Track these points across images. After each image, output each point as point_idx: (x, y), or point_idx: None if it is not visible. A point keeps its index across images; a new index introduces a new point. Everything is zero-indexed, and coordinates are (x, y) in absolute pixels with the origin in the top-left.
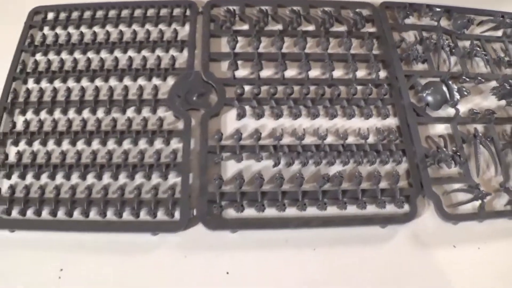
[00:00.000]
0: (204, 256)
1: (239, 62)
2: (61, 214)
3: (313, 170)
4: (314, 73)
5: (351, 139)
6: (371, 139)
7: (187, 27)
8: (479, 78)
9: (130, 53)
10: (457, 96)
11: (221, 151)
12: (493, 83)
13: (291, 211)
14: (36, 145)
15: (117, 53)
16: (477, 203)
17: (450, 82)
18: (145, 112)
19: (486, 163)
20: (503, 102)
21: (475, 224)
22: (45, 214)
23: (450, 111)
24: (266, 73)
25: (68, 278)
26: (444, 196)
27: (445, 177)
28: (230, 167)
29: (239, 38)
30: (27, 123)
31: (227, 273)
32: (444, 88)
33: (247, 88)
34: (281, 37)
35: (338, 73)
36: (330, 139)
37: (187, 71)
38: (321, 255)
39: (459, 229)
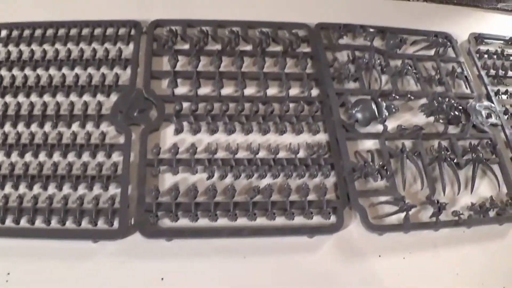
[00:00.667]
0: (140, 263)
1: (179, 80)
2: (8, 222)
3: (245, 183)
4: (250, 91)
5: (282, 154)
6: (301, 154)
7: (131, 46)
8: (409, 95)
9: (77, 70)
10: (385, 113)
11: (159, 164)
12: (423, 101)
13: (223, 221)
14: None
15: (65, 70)
16: (402, 215)
17: (379, 100)
18: (89, 126)
19: (413, 177)
20: (431, 118)
21: (401, 235)
22: None
23: (379, 128)
24: (204, 90)
25: (15, 282)
26: (370, 208)
27: (372, 190)
28: (167, 180)
29: (180, 57)
30: None
31: (162, 279)
32: (373, 106)
33: (185, 104)
34: (219, 57)
35: (272, 91)
36: (262, 154)
37: (130, 88)
38: (251, 263)
39: (384, 240)
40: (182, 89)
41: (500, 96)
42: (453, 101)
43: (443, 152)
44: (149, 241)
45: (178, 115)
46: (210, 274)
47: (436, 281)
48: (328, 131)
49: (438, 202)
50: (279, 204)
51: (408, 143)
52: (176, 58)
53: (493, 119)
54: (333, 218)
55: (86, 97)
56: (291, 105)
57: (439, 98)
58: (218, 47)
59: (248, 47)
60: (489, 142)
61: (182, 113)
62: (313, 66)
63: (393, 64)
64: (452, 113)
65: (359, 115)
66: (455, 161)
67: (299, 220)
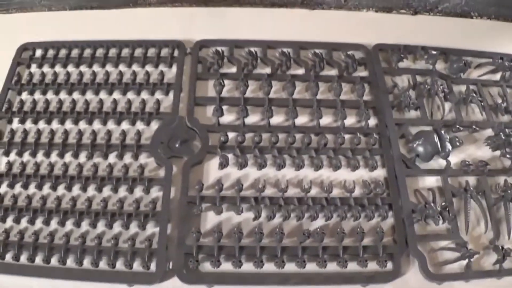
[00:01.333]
0: None
1: (225, 107)
2: (38, 260)
3: (294, 224)
4: (302, 120)
5: (336, 192)
6: (357, 192)
7: (174, 68)
8: (474, 126)
9: (116, 95)
10: (449, 147)
11: (201, 202)
12: (488, 132)
13: (270, 267)
14: (18, 188)
15: (103, 94)
16: (464, 262)
17: (442, 132)
18: (127, 158)
19: (477, 219)
20: (497, 152)
21: (461, 284)
22: (23, 259)
23: (442, 163)
24: (252, 119)
25: None
26: (430, 254)
27: (432, 233)
28: (210, 219)
29: (226, 82)
30: (9, 165)
31: None
32: (436, 138)
33: (231, 135)
34: (269, 81)
35: (326, 120)
36: (314, 191)
37: (171, 116)
38: None
39: None
40: (228, 118)
41: None
42: None
43: (509, 191)
44: (188, 287)
45: (223, 146)
46: None
47: None
48: (387, 167)
49: (502, 248)
50: (331, 249)
51: (471, 180)
52: (222, 83)
53: None
54: (389, 265)
55: (124, 125)
56: (347, 136)
57: (506, 130)
58: (267, 70)
59: (300, 71)
60: None
61: (228, 144)
62: (370, 92)
63: (457, 90)
64: None
65: (420, 149)
66: None
67: (352, 267)
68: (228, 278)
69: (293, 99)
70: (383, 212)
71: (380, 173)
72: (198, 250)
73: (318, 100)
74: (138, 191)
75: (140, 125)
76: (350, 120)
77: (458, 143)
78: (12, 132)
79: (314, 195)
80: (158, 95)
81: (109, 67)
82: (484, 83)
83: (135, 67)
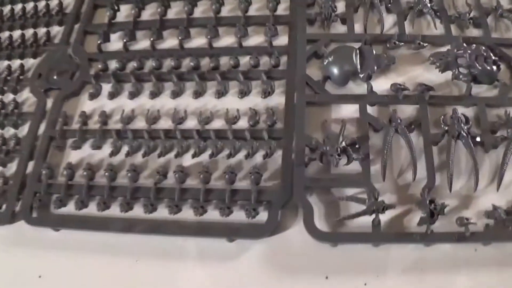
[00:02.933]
0: (19, 256)
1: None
2: None
3: (160, 162)
4: (200, 41)
5: (218, 124)
6: (243, 123)
7: None
8: (419, 41)
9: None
10: (373, 65)
11: (63, 137)
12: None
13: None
14: None
15: None
16: (371, 218)
17: (369, 48)
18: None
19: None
20: (449, 74)
21: (368, 249)
22: None
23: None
24: (143, 44)
25: None
26: (330, 206)
27: (335, 178)
28: (75, 156)
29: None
30: None
31: (40, 277)
32: (355, 55)
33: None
34: (166, 2)
35: (229, 40)
36: (192, 123)
37: (60, 47)
38: (144, 267)
39: (341, 254)
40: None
41: None
42: (485, 50)
43: (456, 125)
44: (36, 229)
45: (100, 75)
46: (94, 276)
47: None
48: (286, 93)
49: (432, 202)
50: (190, 192)
51: (409, 110)
52: (115, 8)
53: None
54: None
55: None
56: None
57: (465, 45)
58: None
59: None
60: None
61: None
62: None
63: None
64: (481, 67)
65: (333, 69)
66: (477, 139)
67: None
68: (72, 221)
69: (189, 18)
70: (267, 148)
71: (282, 100)
72: (47, 189)
73: (219, 18)
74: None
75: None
76: (258, 39)
77: (386, 61)
78: None
79: (191, 127)
80: (56, 26)
81: None
82: None
83: None
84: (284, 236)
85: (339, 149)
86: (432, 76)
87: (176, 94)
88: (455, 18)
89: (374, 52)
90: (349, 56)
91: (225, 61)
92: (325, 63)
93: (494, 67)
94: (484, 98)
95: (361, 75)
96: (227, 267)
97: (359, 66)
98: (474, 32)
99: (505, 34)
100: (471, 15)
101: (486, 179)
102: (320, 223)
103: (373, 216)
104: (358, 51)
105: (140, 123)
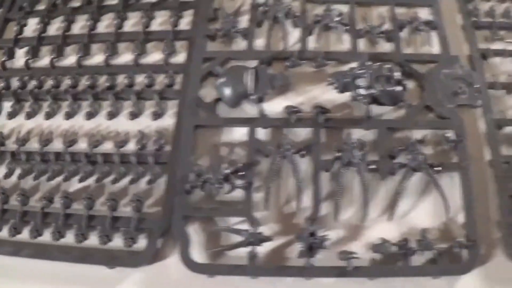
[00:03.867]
0: None
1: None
2: None
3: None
4: (99, 58)
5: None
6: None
7: None
8: (320, 58)
9: None
10: (266, 86)
11: None
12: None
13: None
14: None
15: None
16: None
17: (263, 68)
18: None
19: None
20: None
21: (246, 280)
22: None
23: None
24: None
25: None
26: (211, 235)
27: (216, 207)
28: None
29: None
30: None
31: None
32: (248, 76)
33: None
34: (72, 17)
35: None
36: (82, 145)
37: None
38: None
39: (219, 285)
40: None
41: (489, 60)
42: (389, 69)
43: (348, 151)
44: None
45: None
46: None
47: None
48: (177, 115)
49: (312, 234)
50: (74, 218)
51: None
52: (21, 22)
53: (465, 96)
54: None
55: None
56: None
57: (368, 64)
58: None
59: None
60: (449, 136)
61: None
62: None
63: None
64: (382, 88)
65: (225, 90)
66: (371, 166)
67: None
68: None
69: (90, 34)
70: (152, 174)
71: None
72: None
73: (119, 34)
74: None
75: None
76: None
77: (280, 82)
78: None
79: (79, 149)
80: None
81: None
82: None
83: None
84: (164, 264)
85: (220, 177)
86: (334, 96)
87: (69, 115)
88: (365, 33)
89: (269, 72)
90: (240, 77)
91: (121, 80)
92: (217, 84)
93: (399, 88)
94: (385, 121)
95: (252, 97)
96: None
97: (251, 87)
98: (386, 47)
99: (421, 49)
100: (383, 28)
101: (380, 209)
102: (200, 253)
103: (250, 249)
104: (253, 71)
105: (35, 144)
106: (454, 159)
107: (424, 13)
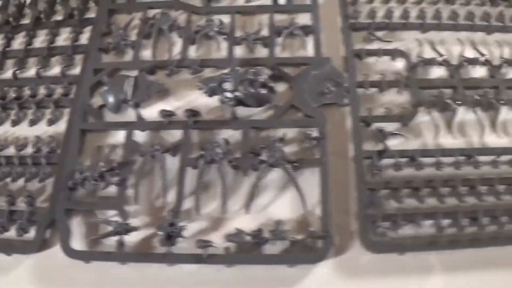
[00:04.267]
0: None
1: None
2: None
3: None
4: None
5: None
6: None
7: None
8: (196, 66)
9: None
10: (144, 94)
11: None
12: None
13: None
14: None
15: None
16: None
17: (142, 76)
18: None
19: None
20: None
21: (117, 266)
22: None
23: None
24: None
25: None
26: (91, 226)
27: (94, 201)
28: None
29: None
30: None
31: None
32: (128, 84)
33: None
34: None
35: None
36: None
37: None
38: None
39: (94, 270)
40: None
41: (364, 60)
42: (254, 73)
43: (210, 149)
44: None
45: None
46: None
47: None
48: (68, 120)
49: (172, 224)
50: None
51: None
52: None
53: (331, 96)
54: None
55: None
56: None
57: (237, 69)
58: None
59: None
60: (311, 133)
61: None
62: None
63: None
64: (246, 91)
65: (108, 97)
66: (232, 163)
67: None
68: None
69: (4, 51)
70: (43, 174)
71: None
72: None
73: (28, 50)
74: None
75: None
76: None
77: (155, 89)
78: None
79: None
80: None
81: None
82: (241, 10)
83: None
84: (50, 252)
85: (96, 175)
86: (209, 100)
87: None
88: (241, 40)
89: (147, 79)
90: (120, 85)
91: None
92: (102, 92)
93: (263, 90)
94: (250, 121)
95: (130, 103)
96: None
97: (130, 94)
98: (263, 52)
99: (297, 52)
100: (260, 35)
101: (241, 202)
102: (81, 242)
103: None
104: (132, 80)
105: None
106: (317, 155)
107: (306, 19)
